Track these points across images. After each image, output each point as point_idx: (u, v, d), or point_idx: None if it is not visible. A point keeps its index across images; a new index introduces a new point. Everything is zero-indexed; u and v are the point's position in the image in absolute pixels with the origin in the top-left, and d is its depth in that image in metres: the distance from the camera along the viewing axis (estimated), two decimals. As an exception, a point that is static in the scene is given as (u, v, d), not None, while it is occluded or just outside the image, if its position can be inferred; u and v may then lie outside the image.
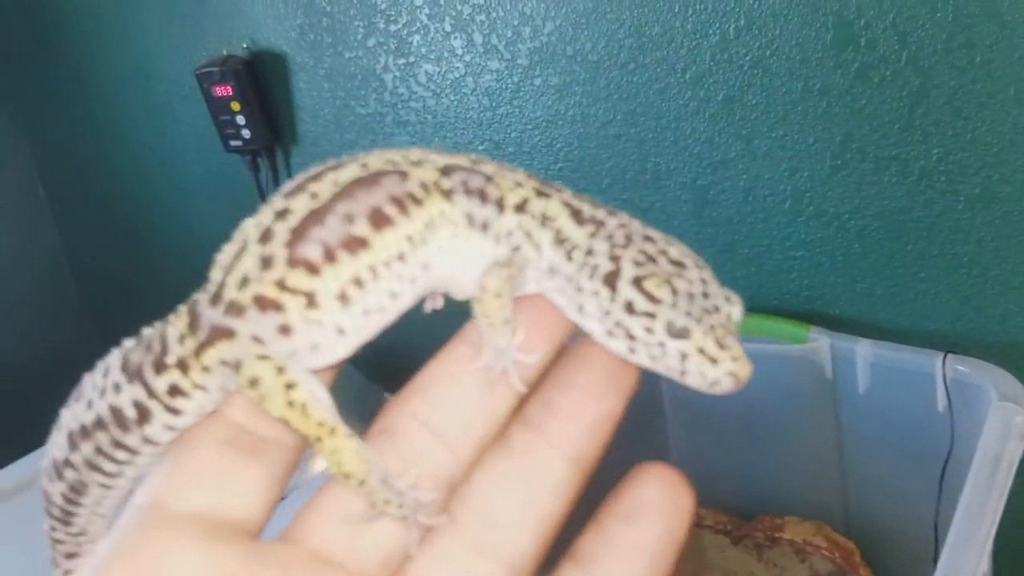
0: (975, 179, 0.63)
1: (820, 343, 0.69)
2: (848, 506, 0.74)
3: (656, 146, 0.76)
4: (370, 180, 0.23)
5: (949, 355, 0.63)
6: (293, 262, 0.23)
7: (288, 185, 0.24)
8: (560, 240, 0.24)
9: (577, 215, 0.25)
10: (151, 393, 0.23)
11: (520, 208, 0.25)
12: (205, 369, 0.23)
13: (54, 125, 1.33)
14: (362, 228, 0.23)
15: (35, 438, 0.94)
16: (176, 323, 0.24)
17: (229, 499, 0.22)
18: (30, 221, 1.40)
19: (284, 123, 1.03)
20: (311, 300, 0.23)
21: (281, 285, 0.23)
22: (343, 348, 0.24)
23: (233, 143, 1.03)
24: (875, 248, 0.69)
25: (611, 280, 0.23)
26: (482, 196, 0.24)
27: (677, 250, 0.24)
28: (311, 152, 1.03)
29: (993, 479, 0.54)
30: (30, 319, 1.40)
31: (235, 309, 0.23)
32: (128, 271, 1.38)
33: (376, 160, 0.24)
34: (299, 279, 0.23)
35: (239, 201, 1.11)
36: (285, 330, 0.23)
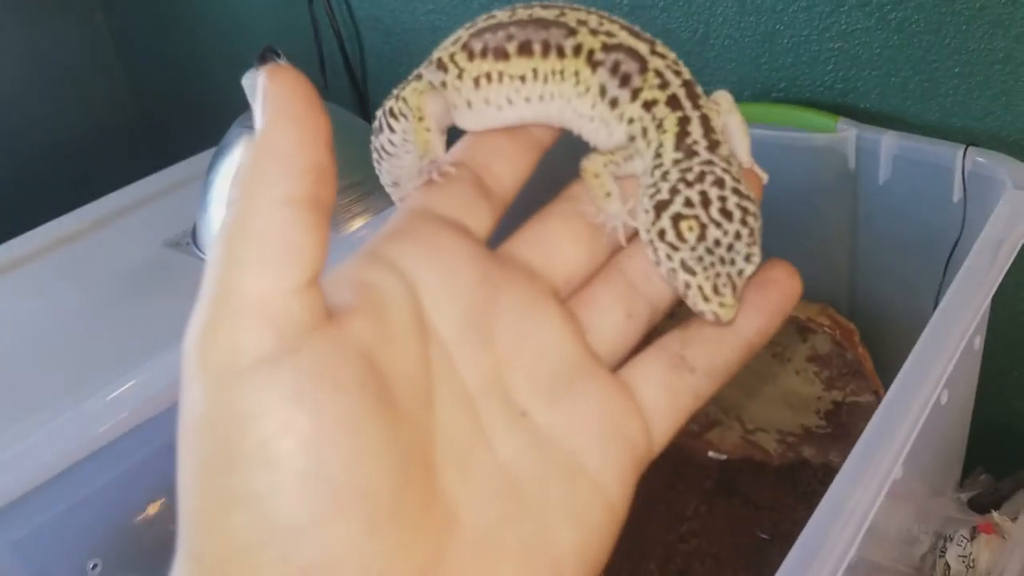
0: (1024, -30, 0.62)
1: (847, 134, 0.70)
2: (854, 292, 0.77)
3: (705, -73, 0.75)
4: (546, 23, 0.30)
5: (970, 148, 0.64)
6: (464, 47, 0.31)
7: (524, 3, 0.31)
8: (657, 153, 0.29)
9: (681, 138, 0.28)
10: (384, 112, 0.34)
11: (647, 106, 0.29)
12: (403, 99, 0.32)
13: None
14: (511, 47, 0.30)
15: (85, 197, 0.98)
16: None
17: (470, 217, 0.28)
18: (76, 4, 1.40)
19: None
20: (460, 74, 0.31)
21: (451, 57, 0.31)
22: (469, 119, 0.31)
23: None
24: (913, 41, 0.69)
25: (660, 208, 0.27)
26: (624, 79, 0.29)
27: (737, 201, 0.27)
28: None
29: (994, 259, 0.56)
30: (77, 98, 1.43)
31: (427, 62, 0.32)
32: (173, 53, 1.39)
33: (572, 14, 0.30)
34: (460, 58, 0.31)
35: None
36: (443, 85, 0.31)
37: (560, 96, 0.30)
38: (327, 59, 1.12)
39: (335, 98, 1.15)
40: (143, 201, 1.00)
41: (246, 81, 0.85)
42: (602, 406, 0.26)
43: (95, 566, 0.54)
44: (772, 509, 0.75)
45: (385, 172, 0.35)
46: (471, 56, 0.30)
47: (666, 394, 0.27)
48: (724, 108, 0.30)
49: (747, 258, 0.27)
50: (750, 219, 0.27)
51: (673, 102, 0.29)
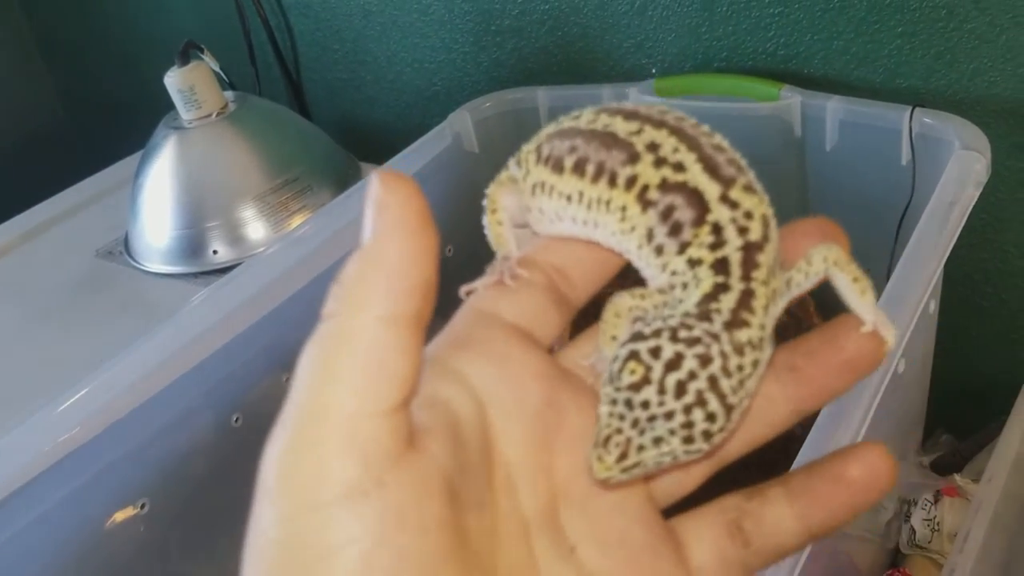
0: (961, -76, 0.61)
1: (791, 101, 0.69)
2: (808, 262, 0.76)
3: None
4: (613, 141, 0.26)
5: (917, 109, 0.63)
6: (537, 148, 0.29)
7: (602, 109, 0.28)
8: (679, 301, 0.25)
9: (706, 301, 0.24)
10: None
11: (692, 263, 0.25)
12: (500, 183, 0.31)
13: None
14: (568, 161, 0.27)
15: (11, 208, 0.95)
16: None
17: (539, 325, 0.26)
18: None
19: None
20: (526, 175, 0.29)
21: (527, 155, 0.29)
22: (533, 222, 0.29)
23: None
24: (854, 3, 0.68)
25: (633, 337, 0.24)
26: (675, 229, 0.25)
27: (704, 390, 0.23)
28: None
29: (945, 222, 0.55)
30: (3, 105, 1.37)
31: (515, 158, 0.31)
32: (98, 52, 1.34)
33: (651, 133, 0.26)
34: (531, 159, 0.29)
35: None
36: (517, 181, 0.30)
37: (604, 227, 0.27)
38: (257, 50, 1.08)
39: (269, 91, 1.11)
40: (73, 210, 0.96)
41: (168, 79, 0.82)
42: (653, 560, 0.25)
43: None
44: (732, 482, 0.74)
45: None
46: (538, 159, 0.29)
47: (718, 562, 0.26)
48: (815, 269, 0.25)
49: (658, 443, 0.23)
50: (702, 419, 0.23)
51: (720, 266, 0.24)
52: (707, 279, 0.24)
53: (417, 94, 1.01)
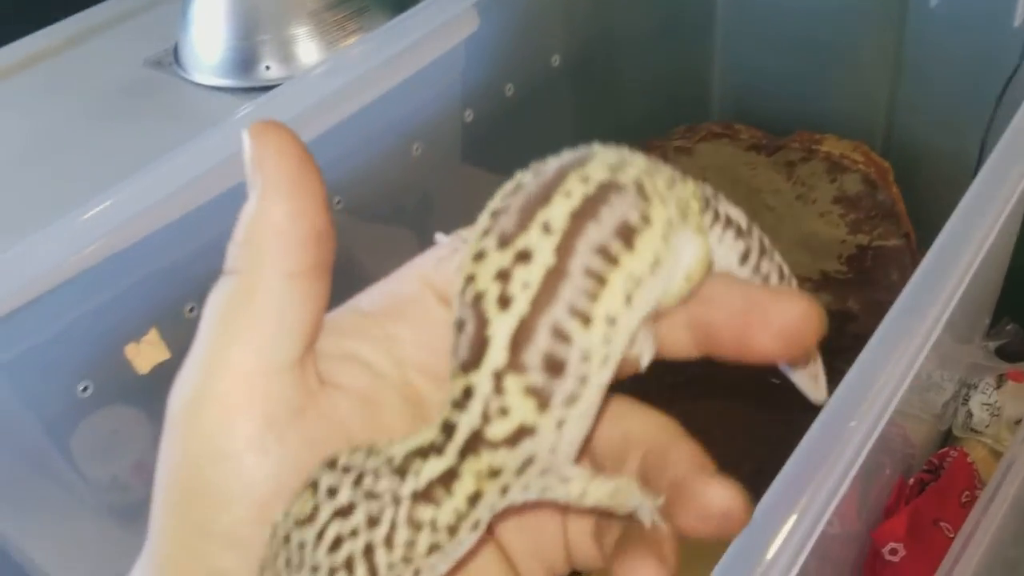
0: None
1: (899, -54, 0.63)
2: (891, 129, 0.72)
3: None
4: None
5: (1041, -37, 0.57)
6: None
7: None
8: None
9: (413, 456, 0.20)
10: None
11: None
12: None
13: None
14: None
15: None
16: None
17: None
18: None
19: None
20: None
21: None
22: None
23: None
24: None
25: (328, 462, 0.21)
26: (454, 350, 0.21)
27: (363, 548, 0.19)
28: None
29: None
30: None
31: None
32: None
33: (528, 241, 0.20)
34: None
35: None
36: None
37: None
38: None
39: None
40: (123, 16, 0.93)
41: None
42: None
43: (85, 388, 0.53)
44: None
45: None
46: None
47: None
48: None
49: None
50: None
51: (447, 428, 0.20)
52: (432, 430, 0.20)
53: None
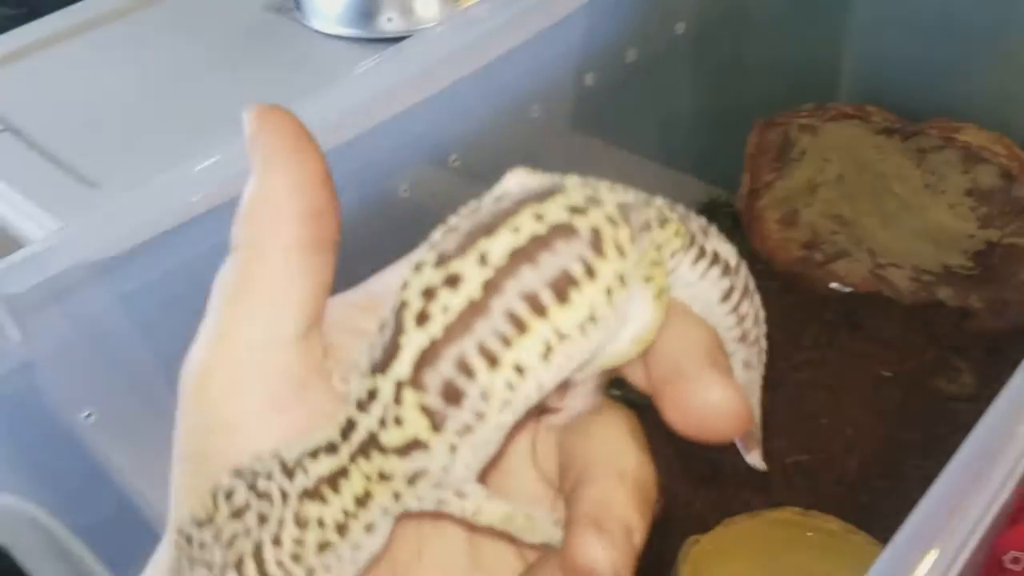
0: None
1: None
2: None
3: None
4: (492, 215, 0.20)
5: None
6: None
7: None
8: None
9: (306, 455, 0.21)
10: None
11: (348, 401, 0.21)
12: None
13: None
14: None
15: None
16: None
17: None
18: None
19: None
20: None
21: None
22: None
23: None
24: None
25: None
26: (372, 349, 0.21)
27: (252, 546, 0.20)
28: None
29: None
30: None
31: None
32: None
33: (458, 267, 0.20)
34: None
35: None
36: None
37: None
38: None
39: None
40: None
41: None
42: None
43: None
44: (898, 348, 0.69)
45: None
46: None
47: None
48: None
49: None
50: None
51: (347, 427, 0.20)
52: (333, 428, 0.20)
53: None
